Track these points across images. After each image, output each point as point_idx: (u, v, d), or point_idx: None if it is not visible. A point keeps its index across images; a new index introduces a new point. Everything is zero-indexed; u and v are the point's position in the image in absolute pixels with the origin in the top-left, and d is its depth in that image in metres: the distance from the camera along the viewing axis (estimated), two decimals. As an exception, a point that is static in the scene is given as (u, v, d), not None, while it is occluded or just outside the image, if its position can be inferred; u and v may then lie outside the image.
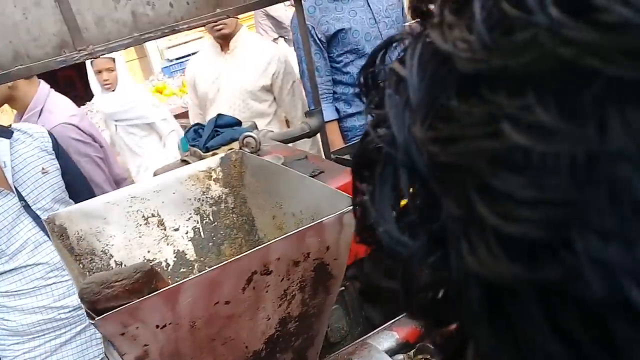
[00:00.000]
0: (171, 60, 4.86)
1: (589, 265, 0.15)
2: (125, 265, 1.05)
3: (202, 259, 1.15)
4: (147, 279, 0.74)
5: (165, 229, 1.12)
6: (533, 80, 0.16)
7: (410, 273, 0.20)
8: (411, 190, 0.20)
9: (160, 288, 0.74)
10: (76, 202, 1.80)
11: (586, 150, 0.15)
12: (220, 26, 2.35)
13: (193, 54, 3.65)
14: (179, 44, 4.86)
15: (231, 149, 1.51)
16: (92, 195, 2.02)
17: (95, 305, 0.69)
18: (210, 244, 1.16)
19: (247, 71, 2.42)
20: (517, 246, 0.16)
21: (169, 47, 4.85)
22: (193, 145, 1.67)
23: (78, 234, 1.01)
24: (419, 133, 0.19)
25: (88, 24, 1.52)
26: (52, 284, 1.76)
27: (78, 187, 1.91)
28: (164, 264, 1.12)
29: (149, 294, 0.73)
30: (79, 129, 2.07)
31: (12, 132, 1.74)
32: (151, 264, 1.19)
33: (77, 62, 1.51)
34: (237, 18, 2.36)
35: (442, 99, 0.18)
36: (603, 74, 0.15)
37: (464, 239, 0.18)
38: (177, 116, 3.30)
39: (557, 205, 0.16)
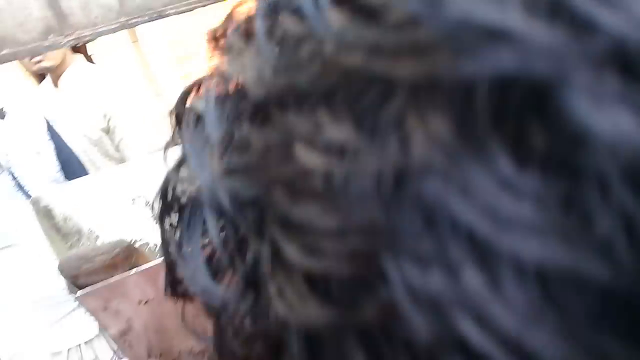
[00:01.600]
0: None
1: (408, 299, 0.13)
2: (112, 245, 1.07)
3: (189, 238, 1.17)
4: (126, 254, 0.75)
5: (152, 210, 1.14)
6: (323, 96, 0.14)
7: (221, 325, 0.18)
8: (223, 234, 0.17)
9: (140, 264, 0.76)
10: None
11: (391, 168, 0.13)
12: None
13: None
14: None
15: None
16: (85, 174, 2.04)
17: (76, 279, 0.71)
18: (197, 223, 1.18)
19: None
20: (328, 285, 0.14)
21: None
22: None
23: (64, 214, 1.03)
24: (216, 168, 0.17)
25: (73, 8, 1.52)
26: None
27: (72, 168, 1.92)
28: (151, 244, 1.14)
29: (129, 269, 0.75)
30: None
31: (5, 114, 1.76)
32: (138, 245, 1.22)
33: (64, 47, 1.52)
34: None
35: (238, 130, 0.17)
36: (395, 80, 0.13)
37: (271, 280, 0.15)
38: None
39: (364, 233, 0.13)
